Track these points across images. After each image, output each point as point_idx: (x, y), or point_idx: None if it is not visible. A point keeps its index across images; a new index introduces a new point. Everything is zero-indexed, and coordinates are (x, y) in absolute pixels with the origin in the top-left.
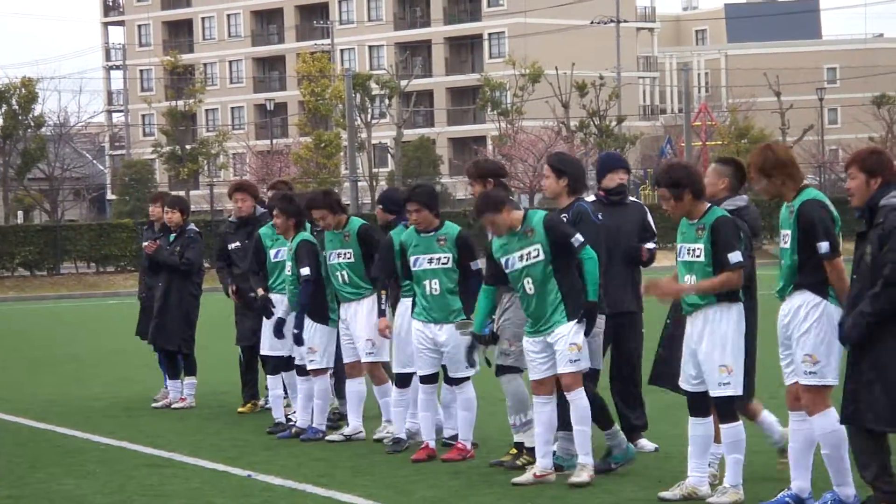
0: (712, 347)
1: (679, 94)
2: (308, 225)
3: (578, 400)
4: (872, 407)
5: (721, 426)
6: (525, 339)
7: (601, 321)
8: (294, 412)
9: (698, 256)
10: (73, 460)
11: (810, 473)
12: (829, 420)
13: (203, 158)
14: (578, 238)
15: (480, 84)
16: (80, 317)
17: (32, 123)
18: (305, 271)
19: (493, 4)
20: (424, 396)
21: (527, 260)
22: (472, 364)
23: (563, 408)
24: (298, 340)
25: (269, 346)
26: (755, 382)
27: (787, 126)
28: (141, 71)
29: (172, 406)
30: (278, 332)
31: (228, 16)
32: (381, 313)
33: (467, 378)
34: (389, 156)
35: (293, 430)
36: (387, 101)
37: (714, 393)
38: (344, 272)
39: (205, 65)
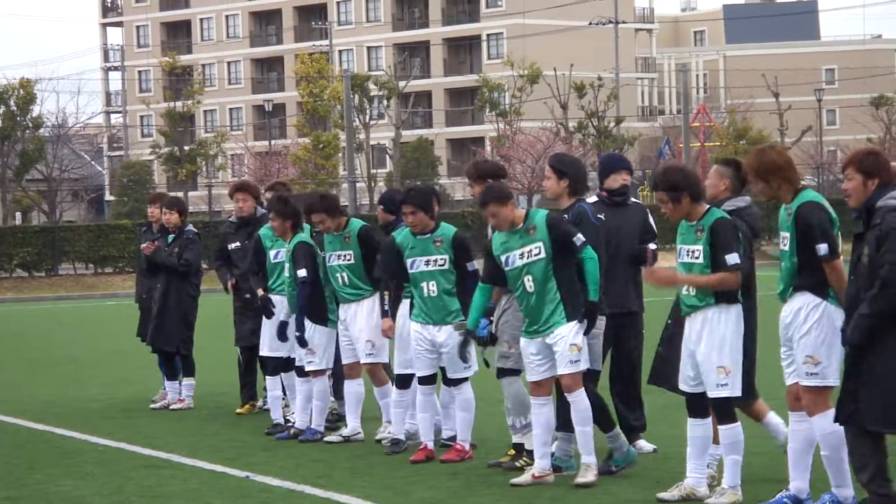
0: (710, 348)
1: (677, 94)
2: (308, 227)
3: (579, 401)
4: (870, 407)
5: (719, 427)
6: (522, 340)
7: (601, 322)
8: (292, 413)
9: (697, 258)
10: (71, 461)
11: (809, 474)
12: (829, 421)
13: (201, 159)
14: (580, 237)
15: (479, 85)
16: (78, 318)
17: (31, 124)
18: (302, 273)
19: (492, 5)
20: (423, 397)
21: (528, 258)
22: (464, 359)
23: (562, 408)
24: (302, 343)
25: (268, 347)
26: (756, 383)
27: (785, 127)
28: (139, 72)
29: (171, 407)
30: (282, 335)
31: (227, 17)
32: (385, 314)
33: (466, 379)
34: (388, 157)
35: (291, 430)
36: (385, 101)
37: (712, 394)
38: (344, 274)
39: (203, 66)
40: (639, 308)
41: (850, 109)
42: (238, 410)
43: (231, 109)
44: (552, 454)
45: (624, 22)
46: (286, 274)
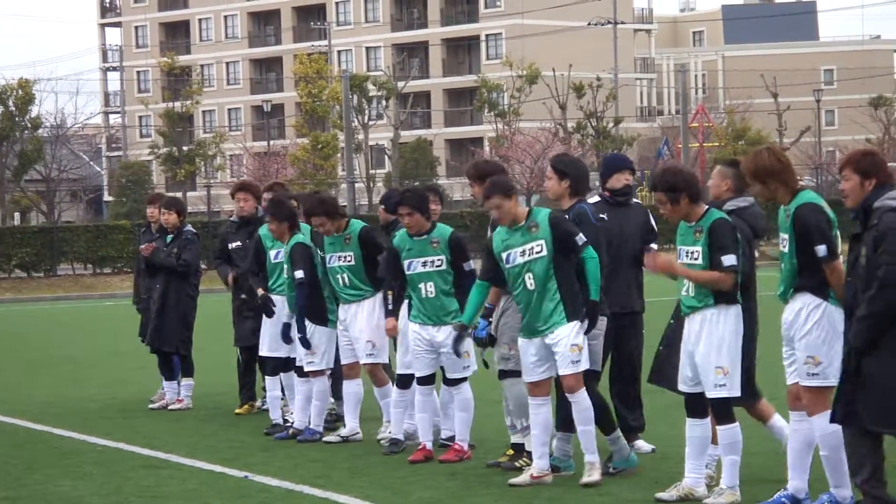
0: (709, 349)
1: (676, 95)
2: (308, 227)
3: (581, 401)
4: (870, 408)
5: (718, 427)
6: (520, 341)
7: (602, 323)
8: (291, 413)
9: (696, 259)
10: (69, 462)
11: (808, 474)
12: (828, 421)
13: (200, 160)
14: (582, 237)
15: (477, 85)
16: (76, 318)
17: (29, 125)
18: (299, 274)
19: (491, 6)
20: (421, 398)
21: (529, 255)
22: (458, 354)
23: (561, 408)
24: (305, 344)
25: (268, 347)
26: (757, 383)
27: (784, 127)
28: (138, 72)
29: (169, 407)
30: (286, 337)
31: (225, 17)
32: (389, 313)
33: (465, 379)
34: (386, 157)
35: (290, 430)
36: (384, 102)
37: (710, 394)
38: (344, 275)
39: (202, 66)
40: (640, 308)
41: (849, 110)
42: (237, 411)
43: (230, 110)
44: (551, 454)
45: (623, 22)
46: (286, 275)
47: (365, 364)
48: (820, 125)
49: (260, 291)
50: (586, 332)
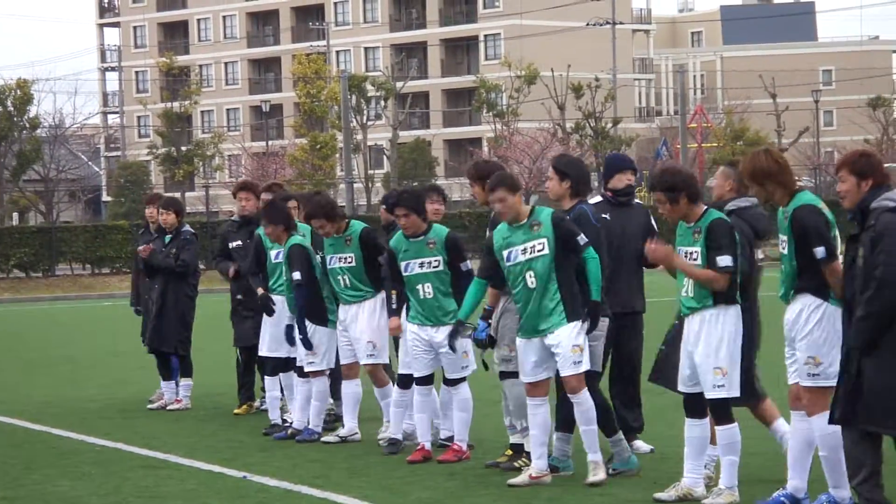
0: (708, 349)
1: (675, 95)
2: (308, 227)
3: (584, 401)
4: (868, 408)
5: (716, 428)
6: (518, 341)
7: (603, 323)
8: (289, 413)
9: (695, 259)
10: (68, 462)
11: (808, 474)
12: (828, 421)
13: (198, 160)
14: (584, 237)
15: (476, 86)
16: (75, 318)
17: (28, 125)
18: (297, 276)
19: (489, 6)
20: (420, 398)
21: (531, 253)
22: (453, 349)
23: (561, 409)
24: (307, 345)
25: (268, 347)
26: (761, 384)
27: (782, 128)
28: (136, 72)
29: (168, 408)
30: (290, 339)
31: (224, 17)
32: (393, 312)
33: (464, 379)
34: (385, 157)
35: (289, 430)
36: (382, 102)
37: (709, 395)
38: (345, 276)
39: (200, 66)
40: (641, 308)
41: (848, 110)
42: (235, 411)
43: (228, 110)
44: (550, 454)
45: (621, 23)
46: (285, 276)
47: (365, 365)
48: (818, 126)
49: (260, 291)
50: (588, 333)
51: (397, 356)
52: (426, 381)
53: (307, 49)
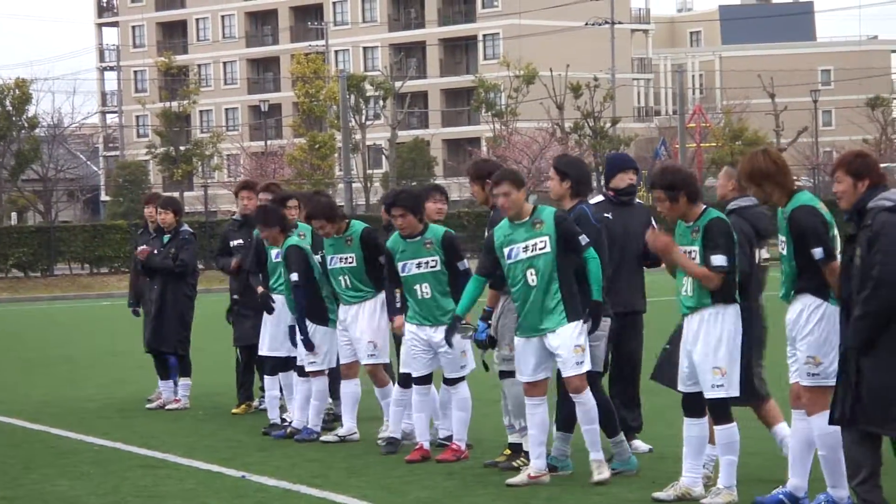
0: (707, 349)
1: (673, 95)
2: (308, 227)
3: (586, 401)
4: (867, 408)
5: (715, 428)
6: (517, 340)
7: (605, 323)
8: (288, 413)
9: (694, 259)
10: (66, 461)
11: (808, 473)
12: (827, 421)
13: (197, 160)
14: (585, 237)
15: (475, 85)
16: (73, 318)
17: (26, 124)
18: (294, 277)
19: (488, 6)
20: (418, 397)
21: (532, 251)
22: (450, 345)
23: (562, 409)
24: (308, 346)
25: (268, 346)
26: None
27: (781, 128)
28: (135, 72)
29: (167, 407)
30: (294, 340)
31: (223, 17)
32: (397, 311)
33: (462, 378)
34: (384, 157)
35: (288, 430)
36: (381, 102)
37: (708, 395)
38: (346, 276)
39: (199, 66)
40: (642, 308)
41: (846, 110)
42: (234, 410)
43: (227, 110)
44: (548, 454)
45: (620, 22)
46: (284, 277)
47: (366, 365)
48: (817, 125)
49: (260, 289)
50: (590, 334)
51: (398, 355)
52: (425, 380)
53: (306, 49)
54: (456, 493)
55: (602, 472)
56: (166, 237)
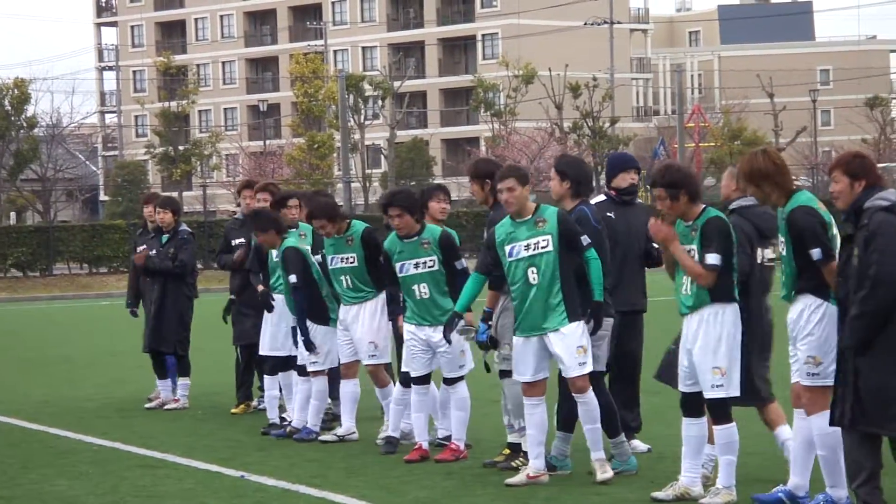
0: (706, 349)
1: (672, 95)
2: (309, 227)
3: (589, 400)
4: (866, 409)
5: (714, 427)
6: (516, 339)
7: (608, 323)
8: (287, 413)
9: (693, 258)
10: (65, 461)
11: (809, 472)
12: (827, 421)
13: (196, 159)
14: (586, 238)
15: (474, 85)
16: (72, 318)
17: (25, 124)
18: (293, 279)
19: (487, 5)
20: (417, 397)
21: (534, 249)
22: (449, 341)
23: (562, 409)
24: (309, 347)
25: (268, 346)
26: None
27: (780, 128)
28: (134, 72)
29: (165, 407)
30: (296, 341)
31: (221, 17)
32: (402, 310)
33: (461, 378)
34: (383, 157)
35: (288, 429)
36: (380, 102)
37: (708, 395)
38: (347, 276)
39: (198, 66)
40: (643, 307)
41: (845, 110)
42: (233, 410)
43: (226, 109)
44: (548, 453)
45: (619, 22)
46: (283, 279)
47: (367, 365)
48: (816, 125)
49: (260, 288)
50: (592, 335)
51: (398, 355)
52: (423, 380)
53: (305, 48)
54: (455, 493)
55: (606, 472)
56: (165, 237)
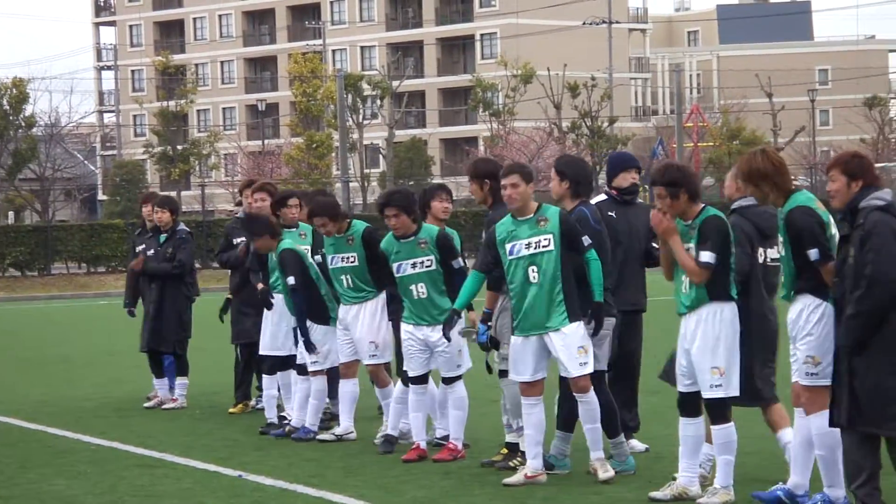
0: (704, 348)
1: (671, 95)
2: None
3: (590, 400)
4: (859, 407)
5: (712, 427)
6: (514, 339)
7: (609, 322)
8: (286, 412)
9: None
10: (63, 461)
11: (810, 472)
12: (825, 421)
13: (194, 159)
14: (587, 239)
15: (472, 85)
16: (70, 317)
17: (23, 124)
18: (291, 281)
19: (485, 5)
20: (415, 397)
21: (535, 248)
22: (448, 339)
23: (562, 408)
24: (310, 348)
25: (268, 345)
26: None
27: (778, 127)
28: (132, 71)
29: (163, 406)
30: (297, 342)
31: (220, 16)
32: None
33: (459, 377)
34: (381, 156)
35: (287, 428)
36: (378, 101)
37: (706, 395)
38: (348, 276)
39: (196, 65)
40: (643, 307)
41: (844, 110)
42: (231, 410)
43: (224, 109)
44: (546, 453)
45: (617, 22)
46: (281, 281)
47: (368, 365)
48: (814, 125)
49: (260, 286)
50: (593, 336)
51: (398, 355)
52: (421, 380)
53: (303, 48)
54: (453, 493)
55: (607, 471)
56: (163, 237)
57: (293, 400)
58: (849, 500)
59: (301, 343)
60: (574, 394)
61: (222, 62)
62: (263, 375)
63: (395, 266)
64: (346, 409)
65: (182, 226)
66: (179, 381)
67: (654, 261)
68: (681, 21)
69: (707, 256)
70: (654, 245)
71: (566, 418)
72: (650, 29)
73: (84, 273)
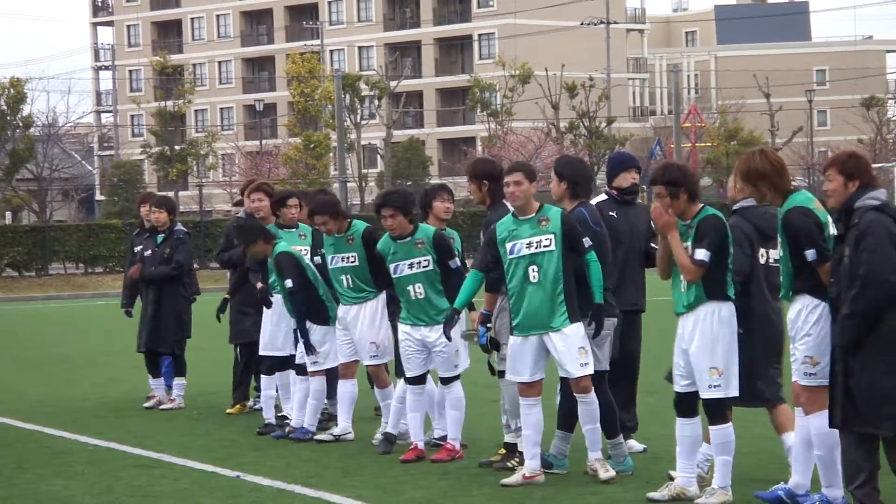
0: (702, 349)
1: (669, 95)
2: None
3: (591, 401)
4: (856, 407)
5: (710, 428)
6: (512, 339)
7: (610, 323)
8: (283, 412)
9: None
10: (61, 461)
11: (811, 472)
12: (824, 421)
13: (192, 159)
14: (588, 240)
15: (470, 85)
16: (68, 317)
17: (21, 124)
18: (289, 284)
19: (483, 5)
20: (413, 397)
21: (536, 248)
22: (448, 338)
23: (562, 408)
24: (309, 349)
25: (268, 345)
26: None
27: (776, 128)
28: (130, 71)
29: (161, 407)
30: (296, 343)
31: (218, 16)
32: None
33: (457, 377)
34: (379, 157)
35: (287, 429)
36: (376, 101)
37: (704, 395)
38: (348, 276)
39: (194, 65)
40: (643, 307)
41: (841, 110)
42: (228, 410)
43: (222, 109)
44: (546, 453)
45: (615, 22)
46: (279, 284)
47: (368, 366)
48: (812, 125)
49: (259, 285)
50: (593, 338)
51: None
52: (419, 380)
53: (301, 48)
54: (451, 493)
55: (608, 471)
56: (160, 237)
57: (293, 400)
58: (847, 500)
59: (301, 343)
60: (575, 394)
61: (220, 62)
62: (262, 376)
63: (392, 267)
64: (345, 409)
65: (179, 226)
66: (177, 381)
67: (653, 261)
68: (678, 21)
69: (702, 254)
70: (654, 245)
71: (566, 418)
72: (648, 29)
73: (81, 273)
